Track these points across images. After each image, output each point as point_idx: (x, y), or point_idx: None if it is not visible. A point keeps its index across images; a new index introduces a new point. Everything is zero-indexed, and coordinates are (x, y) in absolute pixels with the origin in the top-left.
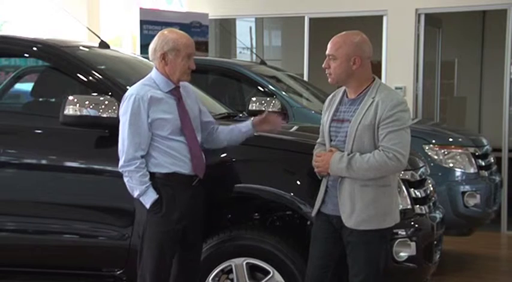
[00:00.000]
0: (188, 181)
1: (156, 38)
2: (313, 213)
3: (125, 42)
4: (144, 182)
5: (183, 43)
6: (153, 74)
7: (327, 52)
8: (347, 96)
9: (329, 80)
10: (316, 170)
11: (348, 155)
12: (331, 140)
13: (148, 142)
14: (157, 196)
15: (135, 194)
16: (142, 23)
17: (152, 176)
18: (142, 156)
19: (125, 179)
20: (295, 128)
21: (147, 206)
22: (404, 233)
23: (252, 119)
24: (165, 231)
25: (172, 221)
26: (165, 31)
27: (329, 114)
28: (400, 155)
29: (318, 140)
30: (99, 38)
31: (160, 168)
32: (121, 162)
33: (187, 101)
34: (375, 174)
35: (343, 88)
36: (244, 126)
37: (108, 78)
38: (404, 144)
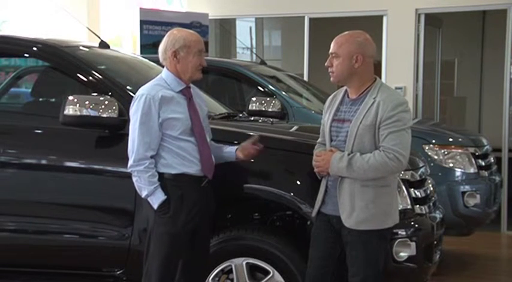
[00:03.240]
0: (197, 182)
1: (165, 37)
2: (313, 214)
3: (125, 42)
4: (152, 183)
5: (193, 40)
6: (164, 74)
7: (330, 50)
8: (348, 96)
9: (331, 78)
10: (316, 169)
11: (348, 154)
12: (331, 140)
13: (158, 142)
14: (166, 197)
15: (143, 194)
16: (142, 23)
17: (161, 176)
18: (152, 157)
19: (134, 179)
20: (295, 128)
21: (155, 206)
22: (404, 233)
23: (236, 147)
24: (173, 232)
25: (180, 222)
26: (174, 30)
27: (330, 114)
28: (401, 155)
29: (319, 140)
30: (99, 38)
31: (169, 168)
32: (130, 162)
33: (197, 101)
34: (375, 174)
35: (344, 88)
36: (228, 151)
37: (108, 78)
38: (404, 145)
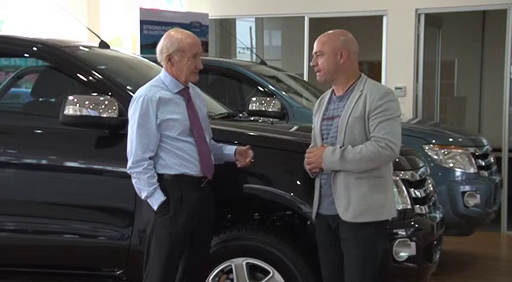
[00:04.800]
0: (196, 182)
1: (162, 39)
2: (313, 216)
3: (125, 42)
4: (151, 184)
5: (188, 43)
6: (162, 75)
7: (314, 50)
8: (335, 94)
9: (318, 77)
10: (308, 166)
11: (340, 147)
12: (323, 139)
13: (156, 143)
14: (165, 198)
15: (143, 195)
16: (142, 23)
17: (160, 177)
18: (150, 158)
19: (133, 180)
20: (295, 128)
21: (155, 207)
22: (404, 233)
23: (235, 148)
24: (173, 233)
25: (180, 222)
26: (171, 31)
27: (319, 115)
28: (392, 144)
29: (311, 145)
30: (99, 38)
31: (168, 169)
32: (129, 164)
33: (197, 101)
34: (368, 164)
35: (330, 89)
36: (228, 149)
37: (108, 78)
38: (395, 133)
